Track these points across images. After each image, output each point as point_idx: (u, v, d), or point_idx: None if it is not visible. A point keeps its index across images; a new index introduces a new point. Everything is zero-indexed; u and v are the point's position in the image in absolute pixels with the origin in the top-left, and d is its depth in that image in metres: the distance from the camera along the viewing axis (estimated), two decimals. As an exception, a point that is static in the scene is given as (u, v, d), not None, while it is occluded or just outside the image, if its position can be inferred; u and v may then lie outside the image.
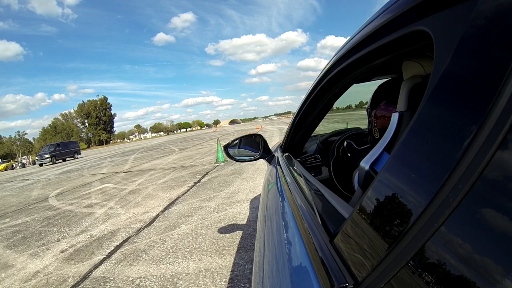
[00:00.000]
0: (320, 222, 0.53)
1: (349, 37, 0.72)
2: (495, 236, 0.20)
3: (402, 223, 0.29)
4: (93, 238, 3.48)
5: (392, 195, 0.32)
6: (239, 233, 2.92)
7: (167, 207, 4.26)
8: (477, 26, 0.26)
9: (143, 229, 3.48)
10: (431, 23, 0.36)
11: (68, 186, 8.26)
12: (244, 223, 3.17)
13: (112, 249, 3.05)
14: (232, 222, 3.25)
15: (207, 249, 2.65)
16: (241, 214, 3.47)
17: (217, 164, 7.69)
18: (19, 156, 58.71)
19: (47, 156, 23.85)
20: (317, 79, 0.98)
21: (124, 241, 3.22)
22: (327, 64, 0.88)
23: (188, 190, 5.15)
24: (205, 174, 6.48)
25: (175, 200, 4.62)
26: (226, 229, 3.06)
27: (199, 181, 5.85)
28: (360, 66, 0.75)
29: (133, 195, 5.47)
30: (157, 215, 3.94)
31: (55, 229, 4.15)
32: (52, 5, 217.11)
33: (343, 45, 0.75)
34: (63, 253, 3.19)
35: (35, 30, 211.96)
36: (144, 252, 2.81)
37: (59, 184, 9.10)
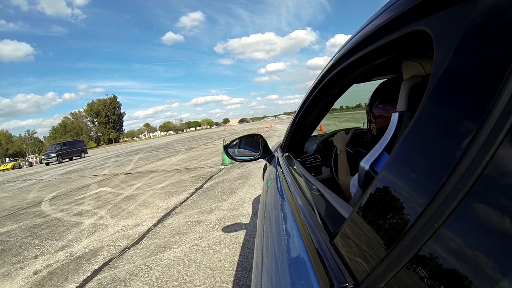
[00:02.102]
0: (320, 222, 0.53)
1: (349, 37, 0.72)
2: (495, 236, 0.20)
3: (402, 223, 0.29)
4: (72, 258, 3.03)
5: (392, 195, 0.32)
6: (242, 263, 2.33)
7: (161, 220, 3.72)
8: (477, 26, 0.27)
9: (129, 248, 2.96)
10: (431, 23, 0.37)
11: (66, 188, 7.96)
12: (250, 247, 2.58)
13: (89, 275, 2.58)
14: (234, 245, 2.66)
15: (199, 285, 2.09)
16: (246, 234, 2.87)
17: (222, 167, 7.14)
18: (28, 155, 59.91)
19: (53, 155, 23.94)
20: (317, 79, 0.98)
21: (105, 264, 2.72)
22: (327, 64, 0.88)
23: (187, 198, 4.59)
24: (208, 179, 5.93)
25: (171, 210, 4.06)
26: (226, 255, 2.48)
27: (201, 186, 5.29)
28: (360, 66, 0.75)
29: (127, 202, 4.98)
30: (148, 230, 3.41)
31: (36, 241, 3.76)
32: (61, 5, 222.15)
33: (343, 45, 0.75)
34: (35, 276, 2.82)
35: (45, 30, 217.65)
36: (123, 284, 2.28)
37: (58, 186, 8.82)
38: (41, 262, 3.05)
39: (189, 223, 3.41)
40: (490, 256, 0.21)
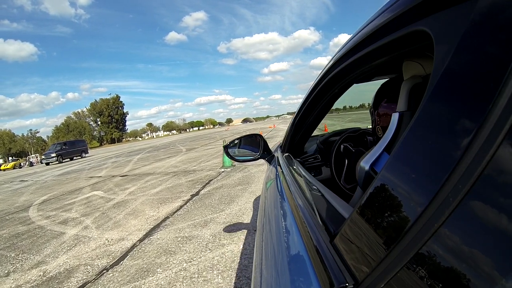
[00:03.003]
0: (320, 222, 0.53)
1: (349, 37, 0.72)
2: (495, 236, 0.20)
3: (402, 223, 0.29)
4: (44, 278, 2.75)
5: (392, 195, 0.32)
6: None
7: (148, 234, 3.30)
8: (477, 26, 0.27)
9: (108, 270, 2.57)
10: (431, 23, 0.37)
11: (58, 191, 7.76)
12: (248, 275, 2.13)
13: (57, 304, 2.14)
14: (230, 272, 2.21)
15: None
16: (244, 257, 2.42)
17: (222, 170, 6.72)
18: (31, 154, 60.04)
19: (53, 155, 23.90)
20: (317, 79, 0.98)
21: (77, 291, 2.28)
22: (327, 64, 0.88)
23: (181, 207, 4.17)
24: (206, 184, 5.51)
25: (161, 222, 3.65)
26: (219, 287, 2.03)
27: (197, 193, 4.87)
28: (360, 66, 0.75)
29: (117, 210, 4.59)
30: (133, 247, 2.99)
31: (13, 254, 3.49)
32: (64, 5, 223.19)
33: (343, 45, 0.75)
34: (0, 300, 2.39)
35: (49, 30, 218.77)
36: (91, 321, 1.85)
37: (51, 188, 8.63)
38: (12, 281, 2.76)
39: (179, 239, 2.98)
40: (490, 256, 0.21)
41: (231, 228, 3.04)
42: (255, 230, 2.77)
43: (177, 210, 4.05)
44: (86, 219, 4.38)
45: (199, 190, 5.04)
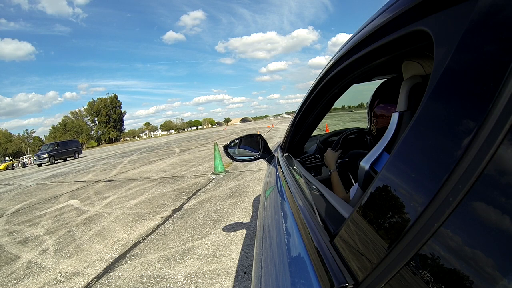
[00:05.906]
0: (320, 222, 0.52)
1: (349, 37, 0.71)
2: (495, 236, 0.20)
3: (402, 223, 0.28)
4: None
5: (392, 195, 0.31)
6: None
7: (110, 267, 2.60)
8: (477, 25, 0.26)
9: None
10: (431, 23, 0.36)
11: (36, 198, 7.27)
12: None
13: None
14: None
15: None
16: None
17: (213, 177, 6.02)
18: (27, 154, 58.95)
19: (45, 156, 23.37)
20: (317, 79, 0.97)
21: None
22: (327, 64, 0.87)
23: (158, 227, 3.47)
24: (192, 194, 4.81)
25: (130, 249, 2.95)
26: None
27: (180, 207, 4.16)
28: (360, 66, 0.75)
29: (85, 228, 3.92)
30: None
31: None
32: (62, 4, 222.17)
33: (343, 45, 0.74)
34: None
35: (46, 29, 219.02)
36: None
37: (31, 194, 8.15)
38: None
39: (144, 279, 2.26)
40: (490, 255, 0.20)
41: (214, 267, 2.29)
42: (244, 272, 2.07)
43: (153, 231, 3.37)
44: (49, 239, 3.72)
45: (183, 204, 4.36)
